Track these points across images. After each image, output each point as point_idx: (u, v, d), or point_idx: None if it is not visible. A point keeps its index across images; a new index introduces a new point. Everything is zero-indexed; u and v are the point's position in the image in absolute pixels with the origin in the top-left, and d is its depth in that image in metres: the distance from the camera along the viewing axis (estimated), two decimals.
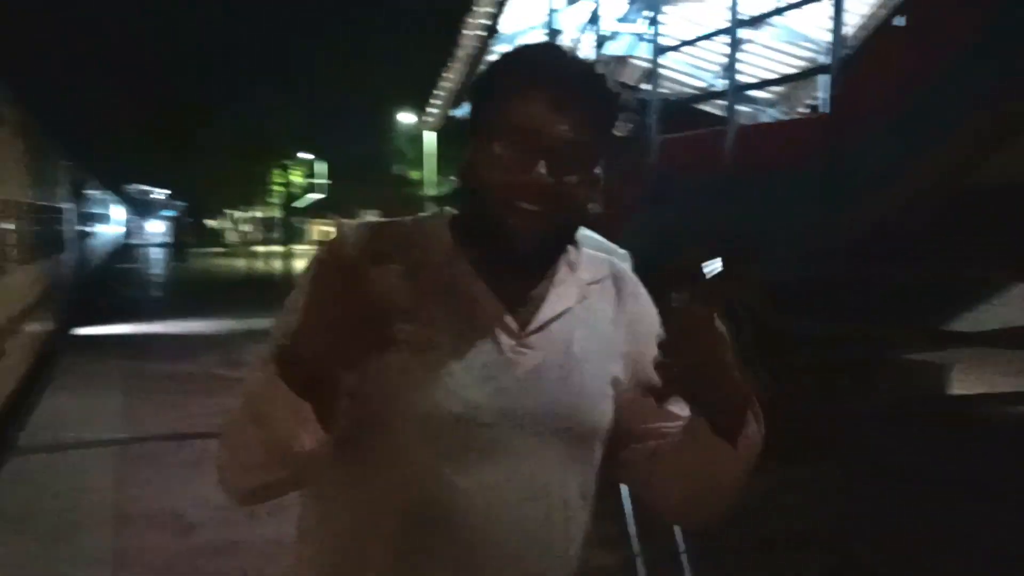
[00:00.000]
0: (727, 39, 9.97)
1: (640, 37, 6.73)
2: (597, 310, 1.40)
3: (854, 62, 4.78)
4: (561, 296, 1.36)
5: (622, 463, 1.41)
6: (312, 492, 1.37)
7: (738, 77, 10.04)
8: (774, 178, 5.21)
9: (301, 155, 48.14)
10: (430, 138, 34.52)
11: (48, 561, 4.90)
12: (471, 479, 1.26)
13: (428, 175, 37.77)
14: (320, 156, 50.87)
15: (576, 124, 1.24)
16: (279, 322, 1.34)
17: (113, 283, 23.90)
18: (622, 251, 1.56)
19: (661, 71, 10.63)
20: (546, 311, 1.34)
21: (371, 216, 55.45)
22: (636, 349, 1.40)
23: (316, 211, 53.47)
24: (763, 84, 7.76)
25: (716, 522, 1.38)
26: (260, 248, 28.18)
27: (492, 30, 9.38)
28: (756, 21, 5.80)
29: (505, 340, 1.30)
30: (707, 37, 6.18)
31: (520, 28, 9.29)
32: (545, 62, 1.28)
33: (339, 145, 43.33)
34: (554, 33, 8.93)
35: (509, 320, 1.31)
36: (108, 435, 7.58)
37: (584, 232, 1.45)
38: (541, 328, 1.32)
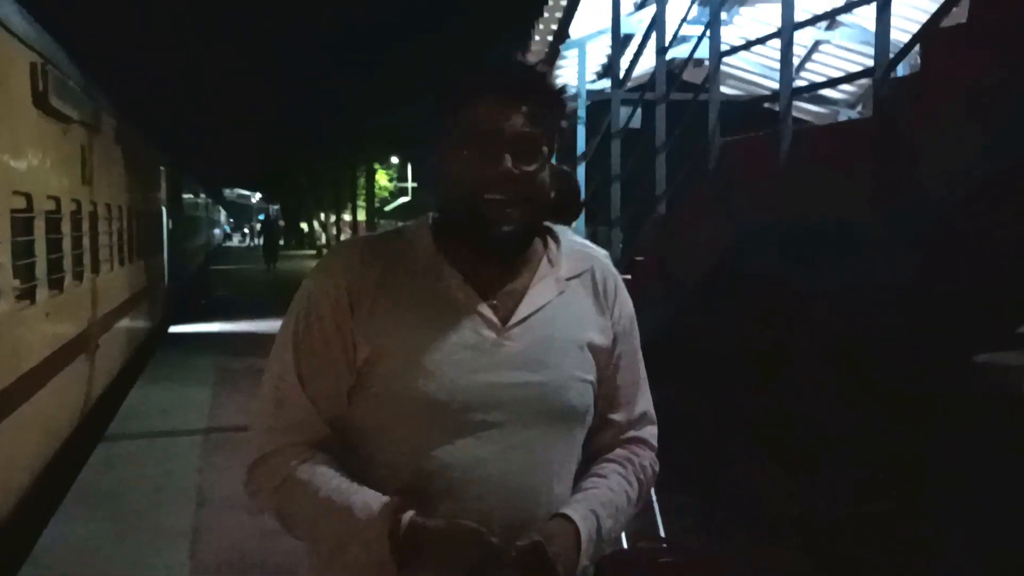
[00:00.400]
0: (799, 39, 10.03)
1: (702, 38, 6.81)
2: (576, 302, 1.52)
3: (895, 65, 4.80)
4: (541, 291, 1.48)
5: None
6: None
7: (812, 78, 10.12)
8: (826, 179, 5.25)
9: (391, 159, 49.03)
10: None
11: (134, 536, 5.27)
12: (465, 456, 1.39)
13: None
14: (408, 159, 51.69)
15: (527, 119, 1.39)
16: (297, 352, 1.49)
17: (208, 283, 24.80)
18: (602, 250, 1.65)
19: (734, 72, 10.72)
20: (526, 305, 1.46)
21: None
22: (619, 336, 1.57)
23: (404, 214, 54.35)
24: (813, 87, 7.77)
25: None
26: None
27: (562, 35, 9.56)
28: (811, 23, 5.82)
29: (487, 333, 1.43)
30: (761, 41, 6.23)
31: (589, 32, 9.43)
32: (491, 71, 1.46)
33: (427, 148, 43.95)
34: (624, 37, 9.04)
35: (490, 315, 1.43)
36: (192, 424, 8.01)
37: (567, 233, 1.60)
38: (522, 321, 1.45)
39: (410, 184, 55.54)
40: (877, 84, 4.67)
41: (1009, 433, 6.89)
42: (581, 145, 9.93)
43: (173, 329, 15.11)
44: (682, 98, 7.88)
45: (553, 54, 9.58)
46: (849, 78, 6.10)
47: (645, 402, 1.64)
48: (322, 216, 47.71)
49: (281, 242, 41.43)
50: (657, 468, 1.64)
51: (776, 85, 9.89)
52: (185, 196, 22.67)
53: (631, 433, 1.61)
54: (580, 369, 1.48)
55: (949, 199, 4.52)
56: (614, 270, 1.61)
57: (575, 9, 9.26)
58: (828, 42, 9.56)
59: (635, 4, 9.22)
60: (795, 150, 5.44)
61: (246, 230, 76.27)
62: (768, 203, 5.73)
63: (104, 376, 9.01)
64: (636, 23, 8.90)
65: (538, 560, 1.33)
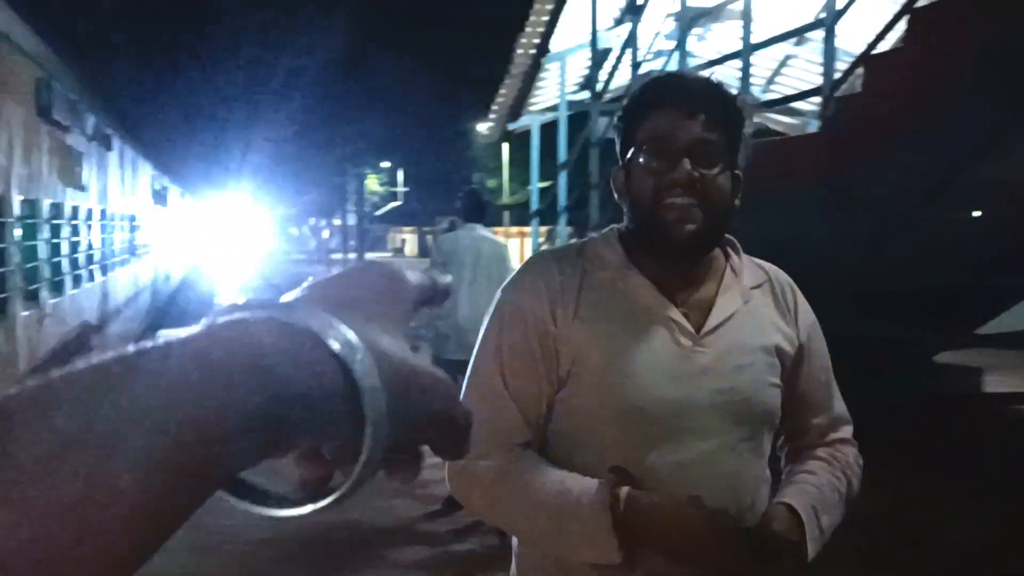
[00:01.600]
0: (772, 53, 10.45)
1: (671, 54, 7.20)
2: (760, 310, 1.56)
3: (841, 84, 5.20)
4: (729, 300, 1.52)
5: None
6: None
7: (784, 90, 10.53)
8: (781, 190, 5.64)
9: (381, 164, 49.34)
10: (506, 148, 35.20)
11: None
12: (664, 461, 1.41)
13: (505, 184, 38.46)
14: (399, 164, 52.02)
15: (706, 125, 1.42)
16: (501, 357, 1.50)
17: (197, 286, 25.06)
18: (773, 266, 1.68)
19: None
20: (717, 314, 1.50)
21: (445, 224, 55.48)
22: (804, 342, 1.60)
23: (395, 219, 54.62)
24: (770, 104, 8.19)
25: None
26: (339, 255, 29.13)
27: (544, 49, 9.95)
28: (768, 44, 6.21)
29: (684, 341, 1.46)
30: (722, 60, 6.63)
31: (569, 46, 9.83)
32: (671, 83, 1.50)
33: (418, 153, 44.32)
34: (603, 51, 9.43)
35: (684, 322, 1.47)
36: None
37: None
38: (714, 329, 1.49)
39: (400, 189, 55.90)
40: (824, 103, 5.06)
41: (970, 428, 7.28)
42: (563, 154, 10.32)
43: (162, 333, 15.37)
44: None
45: (535, 67, 9.99)
46: (800, 96, 6.47)
47: (840, 404, 1.68)
48: (311, 221, 47.94)
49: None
50: (861, 463, 1.65)
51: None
52: (174, 201, 22.92)
53: (832, 436, 1.64)
54: (770, 374, 1.52)
55: (891, 210, 4.92)
56: (789, 279, 1.65)
57: (556, 24, 9.67)
58: (796, 56, 9.98)
59: (614, 20, 9.63)
60: (753, 162, 5.84)
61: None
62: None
63: None
64: (614, 38, 9.30)
65: (778, 543, 1.37)
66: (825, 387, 1.64)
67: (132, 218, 13.35)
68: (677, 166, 1.41)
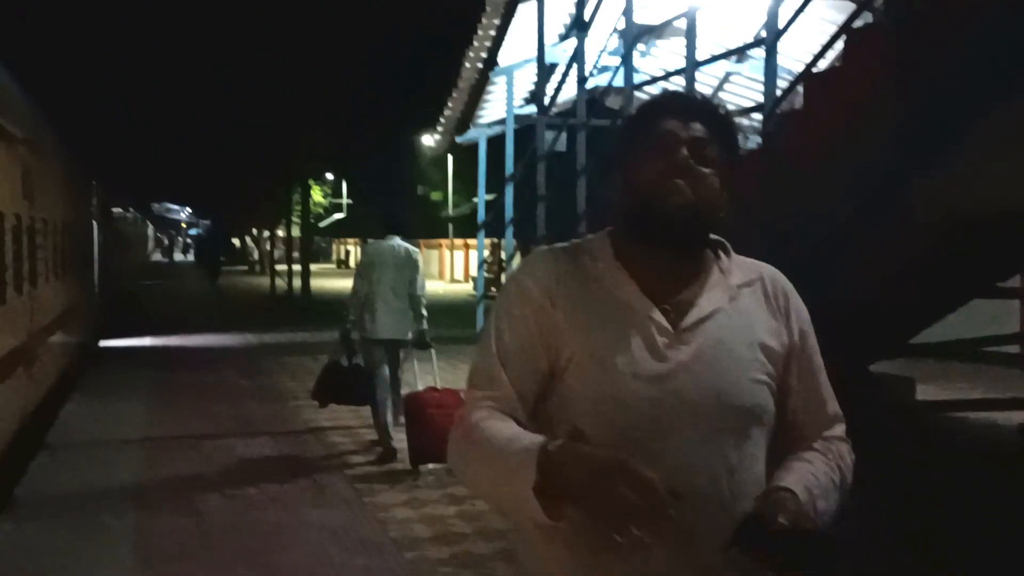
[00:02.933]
0: (713, 70, 10.69)
1: (619, 70, 7.34)
2: (747, 308, 1.61)
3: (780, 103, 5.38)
4: (712, 298, 1.58)
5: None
6: None
7: (728, 107, 10.74)
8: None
9: (325, 175, 49.01)
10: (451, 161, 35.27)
11: (80, 533, 5.54)
12: (643, 454, 1.40)
13: (450, 196, 38.52)
14: (343, 176, 51.74)
15: (704, 129, 1.56)
16: (502, 336, 1.60)
17: (140, 299, 24.70)
18: (770, 267, 1.71)
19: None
20: (697, 311, 1.56)
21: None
22: (796, 341, 1.64)
23: (338, 230, 54.24)
24: None
25: None
26: (283, 267, 28.86)
27: (491, 63, 10.06)
28: (710, 62, 6.38)
29: (660, 338, 1.53)
30: (667, 76, 6.79)
31: (517, 60, 9.95)
32: (674, 96, 1.68)
33: (363, 166, 44.14)
34: (550, 66, 9.56)
35: (661, 320, 1.55)
36: (129, 435, 8.25)
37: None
38: (693, 326, 1.55)
39: (344, 200, 55.54)
40: (765, 119, 5.23)
41: (902, 437, 7.49)
42: (510, 167, 10.42)
43: (106, 343, 15.18)
44: (602, 124, 8.42)
45: (483, 81, 10.08)
46: (742, 112, 6.65)
47: (833, 403, 1.71)
48: (255, 232, 47.45)
49: (222, 258, 41.09)
50: (854, 458, 1.69)
51: None
52: (112, 210, 22.60)
53: (826, 433, 1.67)
54: (753, 370, 1.56)
55: (826, 224, 5.09)
56: (784, 279, 1.69)
57: (503, 39, 9.78)
58: (739, 74, 10.22)
59: (559, 35, 9.78)
60: None
61: (166, 242, 74.93)
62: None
63: (38, 388, 9.18)
64: (561, 53, 9.43)
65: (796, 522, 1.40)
66: (818, 386, 1.67)
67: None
68: (677, 153, 1.53)
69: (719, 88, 10.96)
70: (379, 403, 7.10)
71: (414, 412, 6.46)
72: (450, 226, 37.95)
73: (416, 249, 7.28)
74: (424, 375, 7.46)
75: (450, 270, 38.01)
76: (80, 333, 13.35)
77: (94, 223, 16.57)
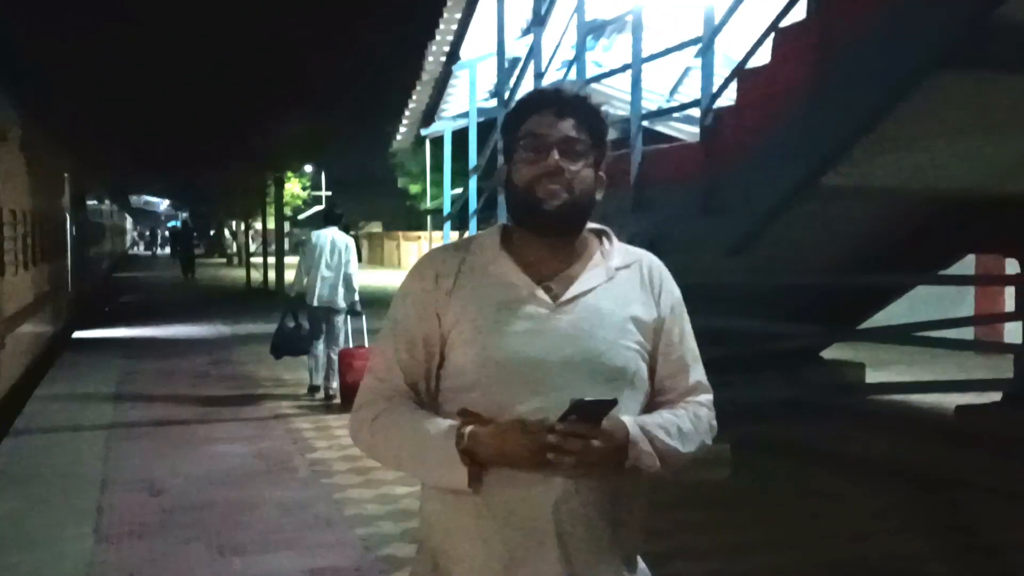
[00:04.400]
0: (673, 66, 10.89)
1: (572, 64, 7.54)
2: (623, 286, 1.81)
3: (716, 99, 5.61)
4: (591, 276, 1.78)
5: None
6: None
7: (685, 99, 10.99)
8: (668, 194, 6.02)
9: (303, 168, 48.94)
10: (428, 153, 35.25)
11: (45, 513, 5.73)
12: (527, 409, 1.68)
13: (428, 188, 38.53)
14: (322, 168, 51.67)
15: (574, 127, 1.75)
16: (393, 332, 1.84)
17: (115, 290, 24.75)
18: (648, 252, 1.93)
19: (618, 93, 11.55)
20: (577, 287, 1.77)
21: (374, 226, 54.68)
22: (665, 316, 1.84)
23: (318, 223, 54.13)
24: (659, 113, 8.63)
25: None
26: (259, 259, 28.92)
27: (454, 56, 10.23)
28: (657, 56, 6.60)
29: (541, 310, 1.74)
30: (614, 72, 7.01)
31: (479, 55, 10.13)
32: (547, 92, 1.83)
33: (341, 157, 44.16)
34: (512, 60, 9.75)
35: (543, 295, 1.75)
36: (96, 420, 8.42)
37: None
38: (572, 300, 1.75)
39: (324, 193, 55.49)
40: (703, 114, 5.46)
41: (850, 417, 7.75)
42: (473, 159, 10.61)
43: (79, 334, 15.29)
44: None
45: (447, 74, 10.27)
46: (681, 108, 6.87)
47: (699, 373, 1.90)
48: (233, 224, 47.38)
49: (199, 250, 40.99)
50: (715, 424, 1.87)
51: (653, 106, 10.77)
52: (89, 201, 22.65)
53: (690, 398, 1.86)
54: (625, 338, 1.76)
55: (760, 214, 5.33)
56: (661, 264, 1.89)
57: (465, 33, 9.96)
58: (696, 68, 10.43)
59: (521, 30, 9.97)
60: (644, 168, 6.23)
61: (153, 236, 74.65)
62: (623, 213, 6.50)
63: (5, 377, 9.32)
64: (522, 47, 9.61)
65: (587, 416, 1.62)
66: (684, 355, 1.86)
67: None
68: (548, 158, 1.72)
69: (679, 82, 11.16)
70: (314, 355, 9.22)
71: (345, 364, 8.74)
72: (428, 218, 38.02)
73: (348, 237, 9.34)
74: (356, 336, 9.50)
75: None
76: (52, 324, 13.47)
77: (67, 215, 16.65)
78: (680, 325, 1.87)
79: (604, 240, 1.86)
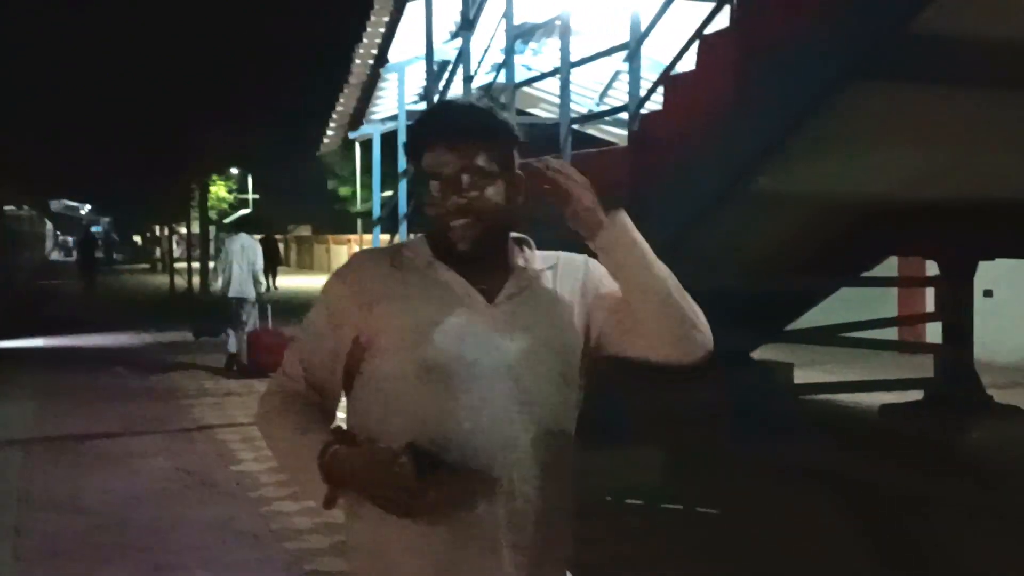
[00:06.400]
0: (601, 71, 10.97)
1: (501, 68, 7.53)
2: (547, 286, 1.82)
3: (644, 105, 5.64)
4: (517, 281, 1.78)
5: (619, 349, 1.83)
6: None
7: (614, 104, 11.09)
8: (599, 199, 6.02)
9: (229, 171, 48.18)
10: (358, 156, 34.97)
11: None
12: (457, 403, 1.67)
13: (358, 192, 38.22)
14: (249, 171, 50.90)
15: (473, 151, 1.70)
16: (305, 332, 1.85)
17: (33, 298, 24.04)
18: (567, 253, 1.93)
19: (548, 96, 11.59)
20: (505, 291, 1.77)
21: (304, 230, 54.05)
22: (594, 297, 1.83)
23: (245, 226, 53.31)
24: (588, 117, 8.69)
25: (698, 351, 1.76)
26: (184, 264, 28.35)
27: (382, 59, 10.15)
28: (586, 62, 6.62)
29: (473, 310, 1.73)
30: (543, 77, 7.01)
31: (406, 58, 10.06)
32: (440, 118, 1.79)
33: (268, 160, 43.59)
34: (441, 63, 9.70)
35: (477, 296, 1.74)
36: (14, 436, 8.13)
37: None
38: (506, 300, 1.76)
39: (251, 196, 54.67)
40: (631, 119, 5.48)
41: (780, 418, 7.87)
42: (403, 163, 10.52)
43: None
44: None
45: (375, 77, 10.17)
46: (610, 112, 6.91)
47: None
48: (157, 229, 46.42)
49: (117, 256, 39.87)
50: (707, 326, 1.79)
51: (584, 110, 10.81)
52: (4, 207, 21.93)
53: None
54: (556, 336, 1.78)
55: (686, 219, 5.37)
56: (580, 256, 1.88)
57: (393, 36, 9.88)
58: (626, 72, 10.51)
59: (450, 33, 9.93)
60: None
61: (73, 243, 72.68)
62: (550, 220, 6.49)
63: None
64: (451, 51, 9.58)
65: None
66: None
67: None
68: (449, 197, 1.69)
69: (609, 86, 11.25)
70: (230, 333, 11.54)
71: (252, 343, 11.07)
72: (359, 222, 37.75)
73: (255, 241, 11.74)
74: (262, 321, 11.83)
75: None
76: None
77: None
78: (613, 283, 1.83)
79: (525, 248, 1.87)
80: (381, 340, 1.73)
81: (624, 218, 1.75)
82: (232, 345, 11.44)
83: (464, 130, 1.72)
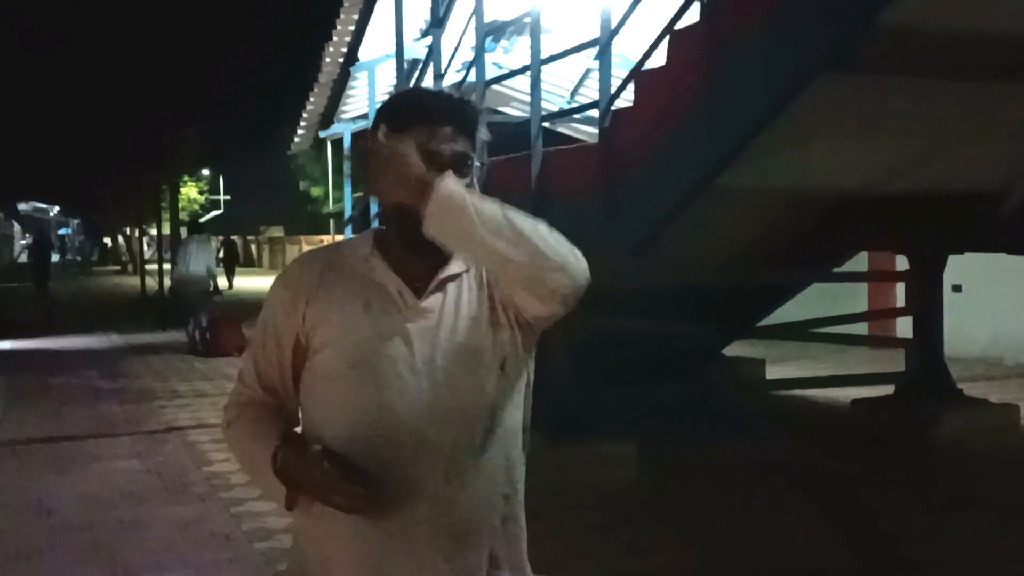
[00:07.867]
0: (572, 68, 10.98)
1: (471, 66, 7.50)
2: (467, 285, 1.80)
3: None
4: (450, 269, 1.77)
5: (518, 311, 1.78)
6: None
7: (584, 101, 11.08)
8: (567, 195, 6.03)
9: (200, 172, 47.83)
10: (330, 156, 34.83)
11: None
12: (390, 392, 1.69)
13: (329, 192, 38.09)
14: (221, 172, 50.58)
15: (467, 143, 1.71)
16: (255, 337, 1.89)
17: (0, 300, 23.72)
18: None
19: (519, 95, 11.58)
20: (435, 283, 1.76)
21: (276, 230, 53.78)
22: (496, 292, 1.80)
23: (216, 227, 53.00)
24: (559, 115, 8.68)
25: (573, 291, 1.66)
26: (155, 266, 28.08)
27: (352, 57, 10.09)
28: (554, 59, 6.61)
29: (404, 308, 1.75)
30: (513, 74, 7.00)
31: (377, 56, 10.02)
32: (441, 103, 1.76)
33: (240, 161, 43.34)
34: (412, 62, 9.67)
35: (408, 292, 1.76)
36: None
37: None
38: (435, 291, 1.76)
39: (222, 197, 54.29)
40: (601, 116, 5.47)
41: (751, 414, 7.92)
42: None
43: None
44: None
45: (345, 76, 10.12)
46: (580, 109, 6.91)
47: None
48: (127, 231, 46.00)
49: (92, 257, 39.32)
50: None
51: (555, 107, 10.82)
52: None
53: None
54: (488, 326, 1.77)
55: (658, 215, 5.37)
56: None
57: (363, 35, 9.83)
58: (596, 70, 10.53)
59: (420, 31, 9.90)
60: (545, 170, 6.20)
61: (43, 244, 71.76)
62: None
63: None
64: (421, 49, 9.54)
65: None
66: None
67: None
68: (424, 201, 1.60)
69: (580, 84, 11.25)
70: (189, 320, 13.32)
71: (209, 328, 12.94)
72: (331, 222, 37.61)
73: (208, 240, 14.46)
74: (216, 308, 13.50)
75: None
76: None
77: None
78: None
79: None
80: (315, 339, 1.76)
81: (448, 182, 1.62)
82: (193, 331, 13.13)
83: (470, 121, 1.74)
